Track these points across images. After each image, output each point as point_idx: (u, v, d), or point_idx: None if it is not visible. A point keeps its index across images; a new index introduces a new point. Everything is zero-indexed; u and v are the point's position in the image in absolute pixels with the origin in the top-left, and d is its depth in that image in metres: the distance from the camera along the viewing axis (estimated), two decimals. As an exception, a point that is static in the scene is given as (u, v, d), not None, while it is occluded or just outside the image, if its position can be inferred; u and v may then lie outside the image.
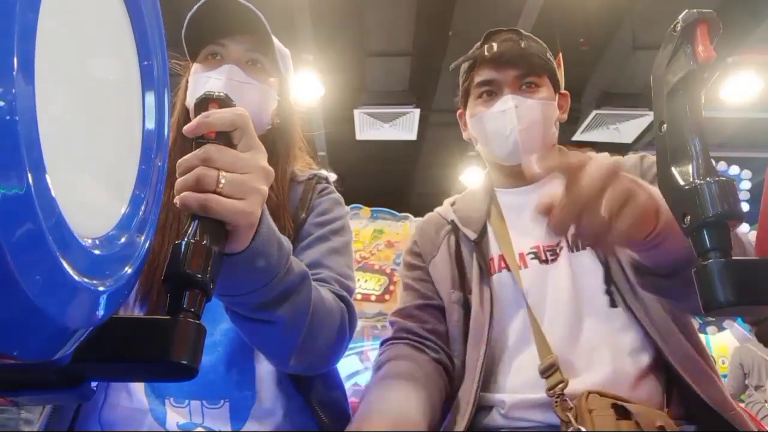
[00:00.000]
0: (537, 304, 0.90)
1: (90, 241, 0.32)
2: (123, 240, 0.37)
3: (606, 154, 1.00)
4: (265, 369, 0.81)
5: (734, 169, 5.41)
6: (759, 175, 6.12)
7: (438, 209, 1.13)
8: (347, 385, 4.67)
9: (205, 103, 0.50)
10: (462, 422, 0.84)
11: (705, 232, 0.41)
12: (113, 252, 0.35)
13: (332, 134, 5.28)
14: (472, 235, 1.01)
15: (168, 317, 0.40)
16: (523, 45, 0.99)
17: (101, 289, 0.32)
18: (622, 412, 0.75)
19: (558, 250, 0.94)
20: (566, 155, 1.04)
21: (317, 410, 0.81)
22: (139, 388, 0.78)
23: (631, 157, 1.02)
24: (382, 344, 1.00)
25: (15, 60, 0.23)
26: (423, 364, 0.90)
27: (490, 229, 1.03)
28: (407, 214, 5.54)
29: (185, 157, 0.48)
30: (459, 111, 1.13)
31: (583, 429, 0.74)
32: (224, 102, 0.51)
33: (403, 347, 0.94)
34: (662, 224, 0.57)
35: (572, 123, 4.87)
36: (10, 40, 0.23)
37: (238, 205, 0.48)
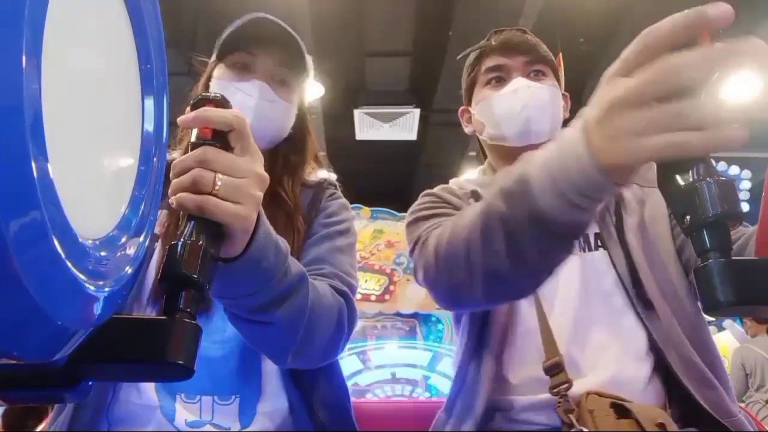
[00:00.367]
0: (546, 301, 0.90)
1: (91, 242, 0.32)
2: (123, 241, 0.37)
3: None
4: (270, 365, 0.82)
5: (734, 169, 5.42)
6: (759, 175, 6.12)
7: (452, 183, 1.08)
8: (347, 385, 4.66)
9: (201, 103, 0.50)
10: (473, 422, 0.83)
11: (705, 232, 0.40)
12: (114, 253, 0.35)
13: (332, 134, 5.28)
14: None
15: (164, 317, 0.41)
16: (529, 37, 1.03)
17: (102, 289, 0.32)
18: (621, 411, 0.75)
19: None
20: None
21: (315, 409, 0.82)
22: (149, 385, 0.78)
23: None
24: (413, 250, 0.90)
25: (23, 59, 0.23)
26: None
27: None
28: (407, 214, 5.55)
29: (181, 158, 0.49)
30: (462, 108, 1.13)
31: (585, 430, 0.74)
32: (221, 103, 0.51)
33: None
34: None
35: (572, 123, 4.86)
36: (19, 40, 0.23)
37: (235, 208, 0.48)
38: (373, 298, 5.46)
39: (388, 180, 6.79)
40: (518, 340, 0.90)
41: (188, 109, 0.50)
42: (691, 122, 0.40)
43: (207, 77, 0.94)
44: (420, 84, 4.85)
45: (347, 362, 5.16)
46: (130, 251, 0.38)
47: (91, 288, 0.30)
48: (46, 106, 0.25)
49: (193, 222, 0.46)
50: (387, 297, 5.49)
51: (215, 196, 0.47)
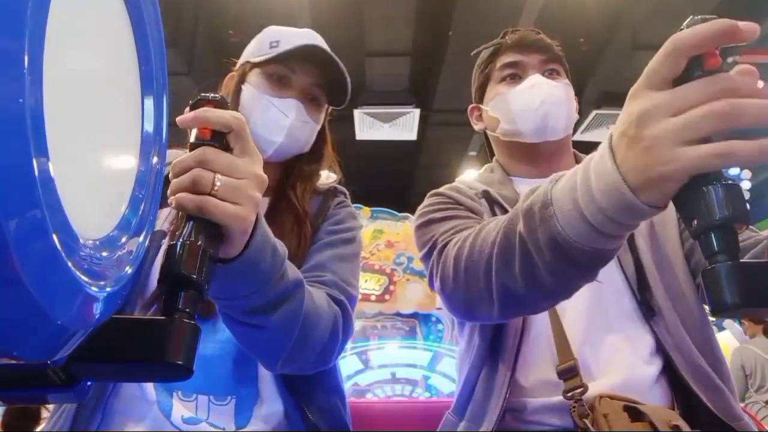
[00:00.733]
0: (559, 305, 0.89)
1: (91, 242, 0.32)
2: (123, 241, 0.37)
3: None
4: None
5: (734, 170, 5.41)
6: (759, 175, 6.13)
7: (460, 181, 1.07)
8: (347, 385, 4.67)
9: (200, 103, 0.50)
10: (489, 424, 0.83)
11: (712, 236, 0.41)
12: (114, 253, 0.35)
13: (332, 134, 5.27)
14: None
15: (163, 317, 0.41)
16: (543, 36, 1.04)
17: (102, 289, 0.32)
18: (634, 413, 0.75)
19: None
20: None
21: (309, 414, 0.82)
22: None
23: None
24: (429, 254, 0.87)
25: (26, 59, 0.23)
26: None
27: None
28: (407, 214, 5.55)
29: (180, 158, 0.49)
30: (471, 106, 1.13)
31: None
32: (220, 103, 0.51)
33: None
34: None
35: (572, 123, 4.87)
36: (20, 41, 0.23)
37: (233, 209, 0.48)
38: (373, 298, 5.46)
39: (388, 180, 6.78)
40: (531, 343, 0.89)
41: (187, 109, 0.50)
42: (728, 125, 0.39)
43: (239, 80, 0.93)
44: (420, 84, 4.85)
45: (347, 362, 5.16)
46: (130, 251, 0.38)
47: (91, 288, 0.30)
48: (47, 106, 0.25)
49: (192, 222, 0.47)
50: (387, 297, 5.49)
51: (214, 196, 0.47)
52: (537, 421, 0.84)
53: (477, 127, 1.13)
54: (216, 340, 0.80)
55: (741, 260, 0.40)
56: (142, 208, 0.40)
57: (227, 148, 0.50)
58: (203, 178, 0.47)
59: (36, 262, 0.25)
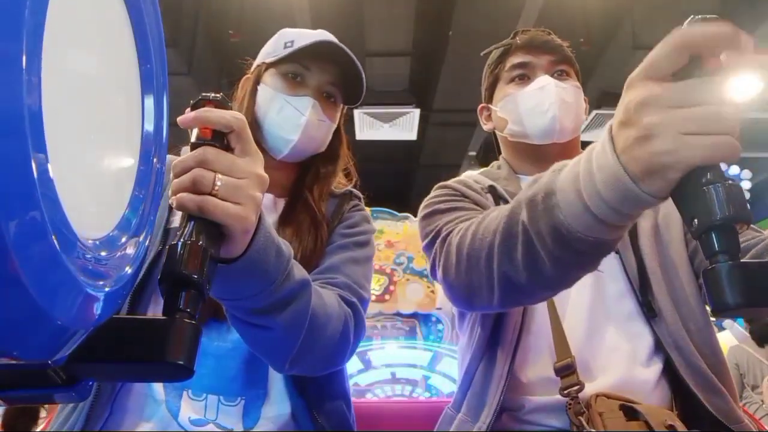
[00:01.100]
0: (559, 302, 0.90)
1: (91, 242, 0.32)
2: (123, 241, 0.37)
3: None
4: None
5: (734, 169, 5.42)
6: (759, 175, 6.13)
7: (467, 176, 1.07)
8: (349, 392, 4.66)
9: (201, 103, 0.50)
10: (486, 418, 0.83)
11: (713, 236, 0.41)
12: (114, 253, 0.35)
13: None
14: None
15: (164, 318, 0.41)
16: (554, 37, 1.04)
17: (102, 289, 0.32)
18: (630, 413, 0.75)
19: None
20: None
21: (317, 416, 0.82)
22: None
23: None
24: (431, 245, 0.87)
25: (24, 60, 0.23)
26: None
27: None
28: (407, 214, 5.54)
29: (181, 158, 0.49)
30: (480, 105, 1.13)
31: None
32: (220, 103, 0.51)
33: None
34: None
35: (572, 123, 4.86)
36: (19, 40, 0.23)
37: (234, 209, 0.48)
38: (373, 298, 5.45)
39: (388, 180, 6.78)
40: (531, 339, 0.89)
41: (188, 109, 0.50)
42: (728, 126, 0.40)
43: (255, 81, 0.94)
44: (420, 84, 4.84)
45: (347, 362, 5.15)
46: (130, 251, 0.38)
47: (91, 288, 0.30)
48: (47, 106, 0.25)
49: (193, 222, 0.47)
50: (387, 297, 5.49)
51: (215, 196, 0.47)
52: (534, 422, 0.84)
53: (486, 127, 1.13)
54: (229, 340, 0.80)
55: (742, 260, 0.40)
56: (142, 208, 0.40)
57: (228, 148, 0.50)
58: (204, 178, 0.47)
59: (36, 262, 0.25)
